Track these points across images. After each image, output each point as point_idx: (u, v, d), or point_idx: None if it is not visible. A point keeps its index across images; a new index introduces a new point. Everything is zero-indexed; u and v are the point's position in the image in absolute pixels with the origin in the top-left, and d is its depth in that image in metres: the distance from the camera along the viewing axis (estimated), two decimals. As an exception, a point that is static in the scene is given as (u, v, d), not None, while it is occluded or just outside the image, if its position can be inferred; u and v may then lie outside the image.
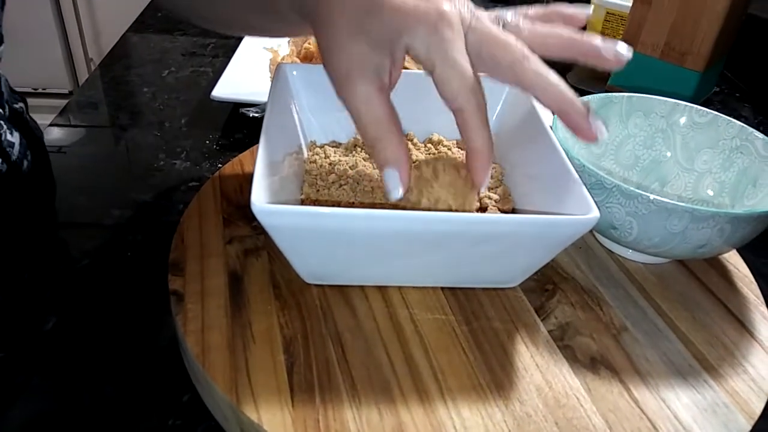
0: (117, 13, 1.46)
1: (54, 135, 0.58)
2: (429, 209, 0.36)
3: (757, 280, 0.43)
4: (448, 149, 0.47)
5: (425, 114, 0.48)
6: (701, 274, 0.43)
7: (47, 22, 1.53)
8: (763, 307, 0.41)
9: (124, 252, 0.45)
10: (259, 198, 0.32)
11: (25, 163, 0.47)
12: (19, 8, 1.46)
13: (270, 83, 0.63)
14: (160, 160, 0.56)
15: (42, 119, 0.71)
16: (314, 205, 0.41)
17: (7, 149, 0.45)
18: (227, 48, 0.76)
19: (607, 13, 0.84)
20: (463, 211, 0.37)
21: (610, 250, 0.44)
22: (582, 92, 0.70)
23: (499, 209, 0.42)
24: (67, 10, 1.53)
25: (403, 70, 0.48)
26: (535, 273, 0.39)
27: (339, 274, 0.38)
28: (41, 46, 1.55)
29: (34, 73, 1.56)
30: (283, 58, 0.69)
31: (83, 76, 1.62)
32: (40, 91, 1.59)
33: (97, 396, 0.35)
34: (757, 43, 0.89)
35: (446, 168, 0.37)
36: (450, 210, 0.36)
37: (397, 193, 0.32)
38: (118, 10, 1.44)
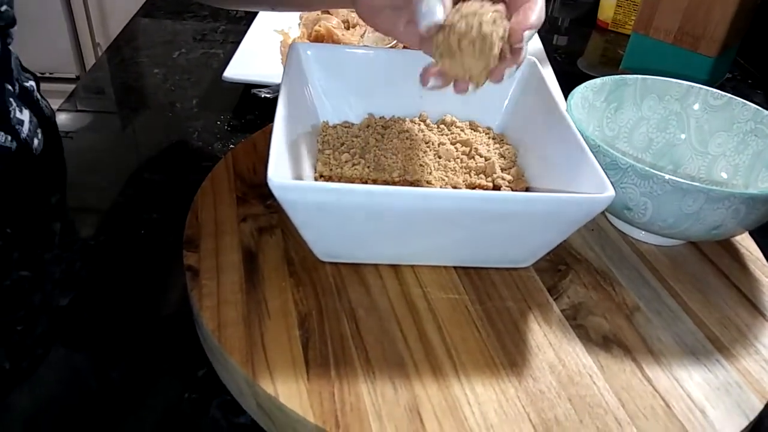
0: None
1: (63, 118, 0.58)
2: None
3: (769, 263, 0.43)
4: (461, 130, 0.47)
5: (438, 96, 0.48)
6: (714, 256, 0.43)
7: (55, 7, 1.52)
8: (775, 290, 0.41)
9: (138, 230, 0.45)
10: (276, 173, 0.32)
11: (36, 141, 0.47)
12: (27, -8, 1.46)
13: (281, 65, 0.64)
14: (172, 141, 0.56)
15: (50, 104, 0.70)
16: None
17: (17, 127, 0.45)
18: (238, 31, 0.76)
19: (620, -3, 0.84)
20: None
21: (622, 232, 0.44)
22: (592, 77, 0.69)
23: (512, 189, 0.42)
24: (74, -6, 1.53)
25: (417, 51, 0.48)
26: (548, 253, 0.39)
27: (353, 251, 0.38)
28: (48, 30, 1.54)
29: (42, 57, 1.56)
30: (293, 41, 0.69)
31: (90, 60, 1.61)
32: (47, 75, 1.59)
33: (114, 371, 0.35)
34: (771, 29, 0.88)
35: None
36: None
37: (439, 17, 0.33)
38: (126, -6, 1.43)
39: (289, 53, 0.44)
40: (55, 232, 0.45)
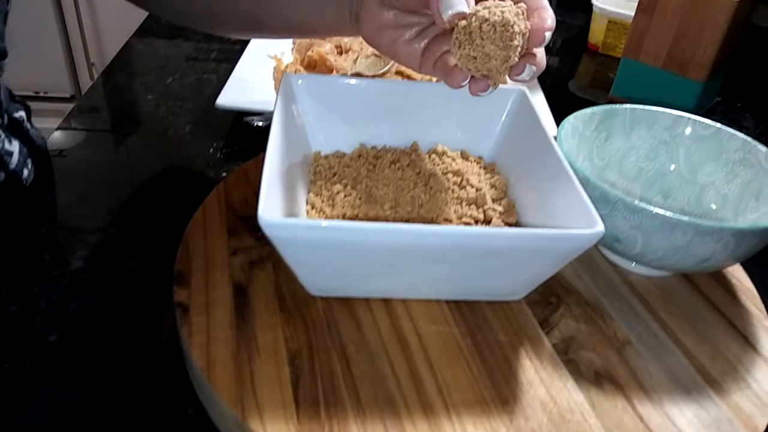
0: (119, 18, 1.46)
1: (56, 143, 0.58)
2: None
3: (761, 293, 0.43)
4: (453, 160, 0.47)
5: (430, 126, 0.48)
6: (704, 287, 0.43)
7: (49, 26, 1.53)
8: (766, 322, 0.41)
9: (129, 261, 0.45)
10: (266, 211, 0.32)
11: (26, 171, 0.47)
12: (21, 12, 1.46)
13: (274, 91, 0.64)
14: (165, 169, 0.56)
15: (43, 123, 0.70)
16: (319, 215, 0.42)
17: (5, 158, 0.45)
18: (232, 53, 0.76)
19: (609, 21, 0.85)
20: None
21: (613, 263, 0.44)
22: (583, 100, 0.69)
23: (503, 221, 0.42)
24: (69, 14, 1.53)
25: (409, 82, 0.48)
26: (540, 286, 0.39)
27: (344, 286, 0.38)
28: (43, 50, 1.54)
29: (36, 77, 1.56)
30: (286, 66, 0.69)
31: (85, 80, 1.62)
32: (41, 95, 1.59)
33: (102, 408, 0.35)
34: (759, 52, 0.89)
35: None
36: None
37: (462, 6, 0.34)
38: (121, 14, 1.44)
39: (281, 84, 0.45)
40: (44, 264, 0.44)
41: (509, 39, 0.34)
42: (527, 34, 0.35)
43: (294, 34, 0.54)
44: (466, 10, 0.34)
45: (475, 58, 0.35)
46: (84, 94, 0.70)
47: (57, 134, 0.59)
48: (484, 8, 0.34)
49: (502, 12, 0.34)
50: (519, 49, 0.35)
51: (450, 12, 0.34)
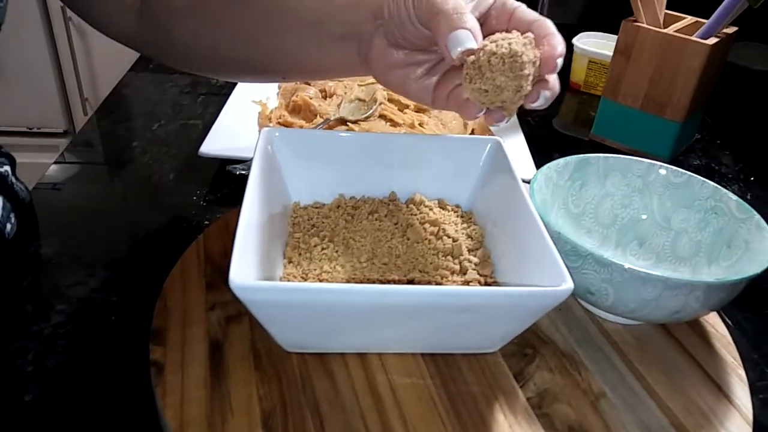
0: (113, 54, 1.48)
1: (42, 192, 0.59)
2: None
3: (737, 335, 0.44)
4: (430, 209, 0.48)
5: (408, 175, 0.49)
6: (679, 335, 0.43)
7: (43, 62, 1.55)
8: (740, 370, 0.41)
9: (108, 316, 0.45)
10: (238, 275, 0.32)
11: (8, 226, 0.48)
12: (15, 48, 1.48)
13: (257, 139, 0.65)
14: (149, 217, 0.56)
15: (36, 158, 0.70)
16: (297, 269, 0.42)
17: None
18: (219, 96, 0.77)
19: (590, 61, 0.87)
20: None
21: (589, 311, 0.44)
22: (566, 137, 0.70)
23: (478, 273, 0.42)
24: (62, 50, 1.55)
25: (386, 134, 0.49)
26: (515, 337, 0.40)
27: (319, 343, 0.38)
28: (37, 85, 1.56)
29: (29, 112, 1.58)
30: (272, 111, 0.70)
31: (78, 114, 1.63)
32: (35, 130, 1.60)
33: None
34: (736, 90, 0.91)
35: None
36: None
37: (471, 43, 0.35)
38: (114, 51, 1.46)
39: (260, 139, 0.45)
40: (24, 319, 0.45)
41: (519, 69, 0.35)
42: (538, 62, 0.36)
43: (303, 76, 0.55)
44: (475, 45, 0.35)
45: (486, 91, 0.36)
46: (71, 141, 0.70)
47: (42, 186, 0.60)
48: (491, 42, 0.35)
49: (510, 44, 0.35)
50: (531, 77, 0.35)
51: (459, 49, 0.35)
